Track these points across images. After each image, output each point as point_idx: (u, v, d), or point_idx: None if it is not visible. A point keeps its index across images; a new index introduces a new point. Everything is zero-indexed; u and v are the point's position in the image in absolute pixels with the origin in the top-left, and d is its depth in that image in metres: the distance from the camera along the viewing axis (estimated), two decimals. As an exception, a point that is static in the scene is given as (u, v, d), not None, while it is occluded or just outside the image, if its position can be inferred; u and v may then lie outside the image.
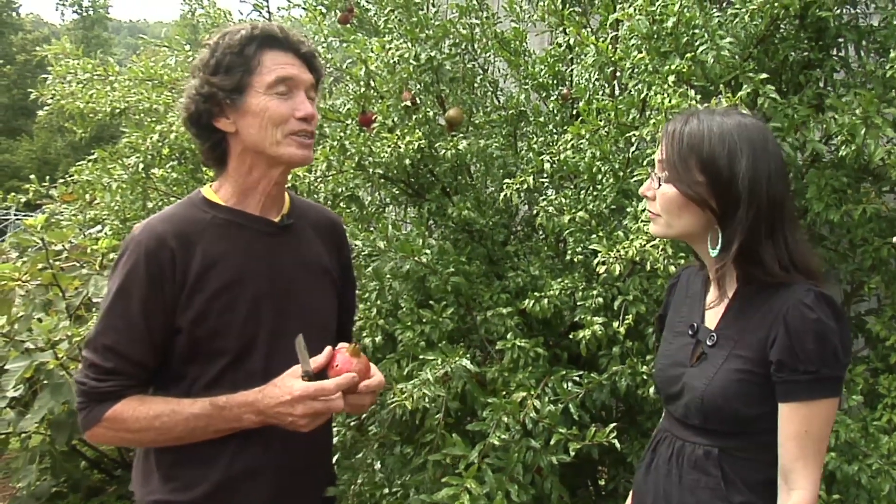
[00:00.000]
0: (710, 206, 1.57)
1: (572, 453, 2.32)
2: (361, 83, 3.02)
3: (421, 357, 2.50)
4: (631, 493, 1.85)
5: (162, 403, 1.73)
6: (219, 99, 1.79)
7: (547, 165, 2.70)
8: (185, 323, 1.75)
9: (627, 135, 2.51)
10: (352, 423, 2.81)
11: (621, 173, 2.62)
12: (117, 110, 3.73)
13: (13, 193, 4.61)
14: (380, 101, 3.05)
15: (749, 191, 1.53)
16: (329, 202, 3.06)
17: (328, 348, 1.76)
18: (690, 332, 1.71)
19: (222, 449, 1.77)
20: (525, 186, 2.63)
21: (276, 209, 1.92)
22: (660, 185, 1.64)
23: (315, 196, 3.03)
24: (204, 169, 3.54)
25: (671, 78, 2.29)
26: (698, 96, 2.25)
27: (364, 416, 2.77)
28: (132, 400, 1.73)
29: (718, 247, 1.60)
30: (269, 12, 3.81)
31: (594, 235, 2.50)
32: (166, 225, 1.79)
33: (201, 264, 1.77)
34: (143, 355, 1.74)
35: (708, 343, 1.64)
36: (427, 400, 2.31)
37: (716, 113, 1.62)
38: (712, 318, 1.67)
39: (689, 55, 2.32)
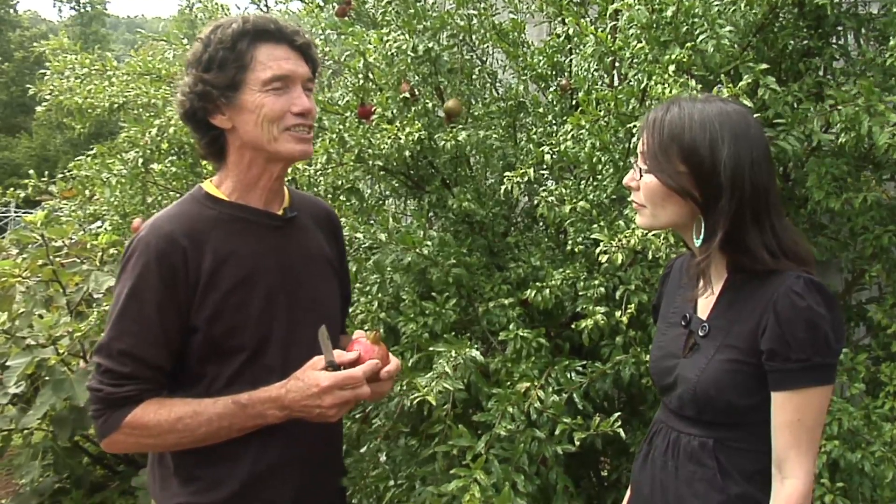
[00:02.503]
0: (693, 195, 1.56)
1: (577, 443, 2.32)
2: (360, 75, 3.01)
3: (431, 349, 2.49)
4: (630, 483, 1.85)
5: (182, 405, 1.71)
6: (213, 97, 1.77)
7: (547, 156, 2.69)
8: (201, 322, 1.73)
9: (627, 125, 2.50)
10: (357, 416, 2.81)
11: (621, 163, 2.61)
12: (115, 105, 3.72)
13: (12, 189, 4.60)
14: (378, 93, 3.04)
15: (731, 179, 1.52)
16: (329, 195, 3.06)
17: (355, 353, 1.74)
18: (683, 323, 1.70)
19: (246, 446, 1.76)
20: (525, 178, 2.63)
21: (277, 202, 1.91)
22: (641, 175, 1.63)
23: (315, 189, 3.03)
24: (203, 163, 3.54)
25: (671, 67, 2.28)
26: (699, 86, 2.24)
27: (369, 407, 2.77)
28: (151, 403, 1.70)
29: (702, 236, 1.59)
30: (266, 6, 3.81)
31: (595, 225, 2.50)
32: (174, 224, 1.76)
33: (213, 262, 1.75)
34: (160, 358, 1.72)
35: (700, 333, 1.64)
36: (440, 392, 2.30)
37: (697, 101, 1.61)
38: (704, 308, 1.67)
39: (688, 44, 2.31)
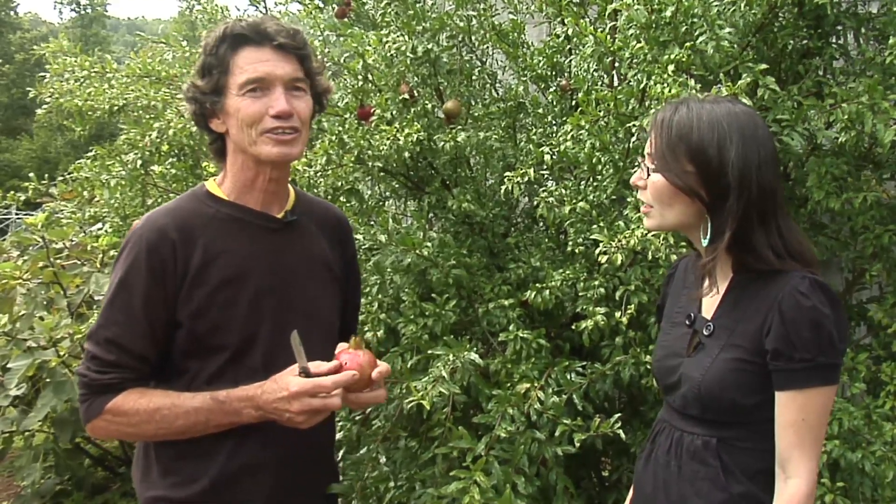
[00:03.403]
0: (700, 195, 1.56)
1: (577, 444, 2.31)
2: (359, 77, 3.02)
3: (429, 352, 2.49)
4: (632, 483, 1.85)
5: (162, 397, 1.73)
6: (202, 102, 1.81)
7: (547, 157, 2.69)
8: (186, 317, 1.75)
9: (627, 125, 2.50)
10: (357, 418, 2.81)
11: (621, 164, 2.61)
12: (115, 107, 3.73)
13: (12, 192, 4.61)
14: (378, 94, 3.04)
15: (739, 180, 1.52)
16: (329, 196, 3.05)
17: (335, 362, 1.74)
18: (688, 323, 1.70)
19: (221, 444, 1.77)
20: (525, 178, 2.63)
21: (277, 205, 1.91)
22: (649, 174, 1.63)
23: (314, 190, 3.02)
24: (203, 165, 3.55)
25: (670, 67, 2.28)
26: (698, 86, 2.24)
27: (369, 410, 2.77)
28: (133, 392, 1.73)
29: (708, 236, 1.59)
30: (265, 7, 3.81)
31: (595, 226, 2.50)
32: (168, 218, 1.79)
33: (202, 258, 1.76)
34: (144, 348, 1.74)
35: (705, 333, 1.64)
36: (438, 395, 2.30)
37: (705, 101, 1.61)
38: (709, 308, 1.67)
39: (688, 44, 2.31)
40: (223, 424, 1.74)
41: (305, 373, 1.69)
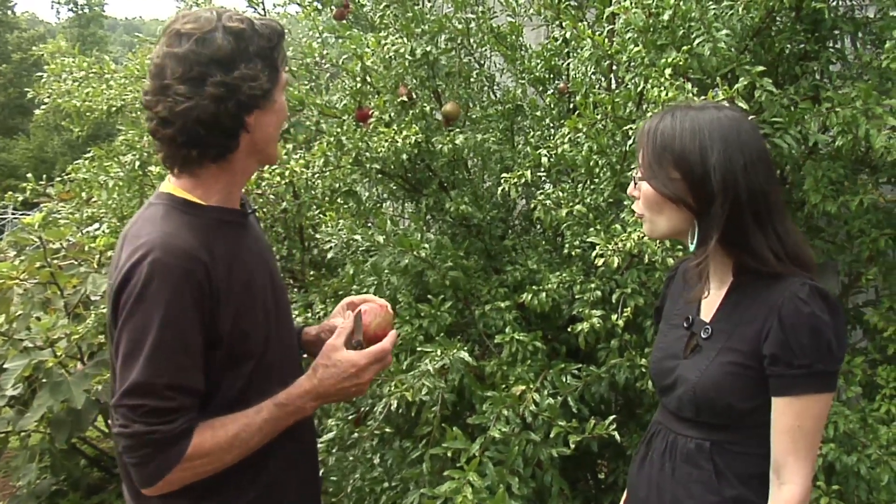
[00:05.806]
0: (687, 202, 1.57)
1: (572, 446, 2.32)
2: (357, 79, 3.02)
3: (419, 350, 2.50)
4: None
5: (232, 422, 1.64)
6: (266, 92, 1.66)
7: (544, 159, 2.69)
8: (226, 333, 1.65)
9: (624, 128, 2.51)
10: (350, 417, 2.81)
11: (618, 167, 2.62)
12: (113, 108, 3.73)
13: (10, 192, 4.60)
14: (376, 96, 3.05)
15: (723, 184, 1.53)
16: (327, 198, 3.06)
17: (351, 318, 1.80)
18: (686, 325, 1.71)
19: (267, 450, 1.72)
20: (523, 181, 2.63)
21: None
22: (637, 184, 1.65)
23: (312, 192, 3.03)
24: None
25: (668, 71, 2.28)
26: (695, 89, 2.25)
27: (363, 409, 2.77)
28: (203, 430, 1.61)
29: (695, 242, 1.60)
30: (264, 9, 3.82)
31: (592, 229, 2.50)
32: (185, 240, 1.63)
33: (224, 271, 1.66)
34: (200, 382, 1.63)
35: (702, 336, 1.64)
36: (426, 392, 2.31)
37: (691, 108, 1.62)
38: (708, 311, 1.67)
39: (685, 48, 2.32)
40: (287, 425, 1.72)
41: (360, 345, 1.75)
